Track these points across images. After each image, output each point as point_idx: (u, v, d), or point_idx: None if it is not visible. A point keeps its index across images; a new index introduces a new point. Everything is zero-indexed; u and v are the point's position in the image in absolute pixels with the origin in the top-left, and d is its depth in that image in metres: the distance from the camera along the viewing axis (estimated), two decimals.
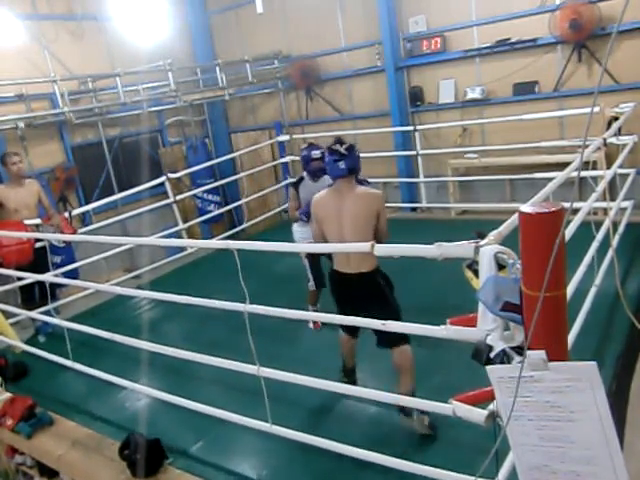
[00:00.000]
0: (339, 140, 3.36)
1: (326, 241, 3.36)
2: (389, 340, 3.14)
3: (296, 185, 4.72)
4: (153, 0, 7.49)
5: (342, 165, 3.23)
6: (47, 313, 4.76)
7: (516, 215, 1.63)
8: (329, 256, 3.95)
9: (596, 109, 5.80)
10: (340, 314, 3.29)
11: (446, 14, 7.26)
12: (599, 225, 3.88)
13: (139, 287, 5.29)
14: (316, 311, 4.60)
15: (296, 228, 4.83)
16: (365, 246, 2.41)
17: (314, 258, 4.67)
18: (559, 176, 3.20)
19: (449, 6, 7.24)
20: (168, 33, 7.92)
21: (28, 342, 5.00)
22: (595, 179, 4.98)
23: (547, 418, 1.56)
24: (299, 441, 2.89)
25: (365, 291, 3.26)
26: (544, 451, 1.61)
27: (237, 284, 2.77)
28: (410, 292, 5.01)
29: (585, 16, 6.15)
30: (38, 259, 5.08)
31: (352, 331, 3.54)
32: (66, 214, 5.80)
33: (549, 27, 6.45)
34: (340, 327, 3.59)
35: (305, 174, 4.67)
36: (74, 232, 5.58)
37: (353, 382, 3.61)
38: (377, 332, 3.14)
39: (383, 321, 2.54)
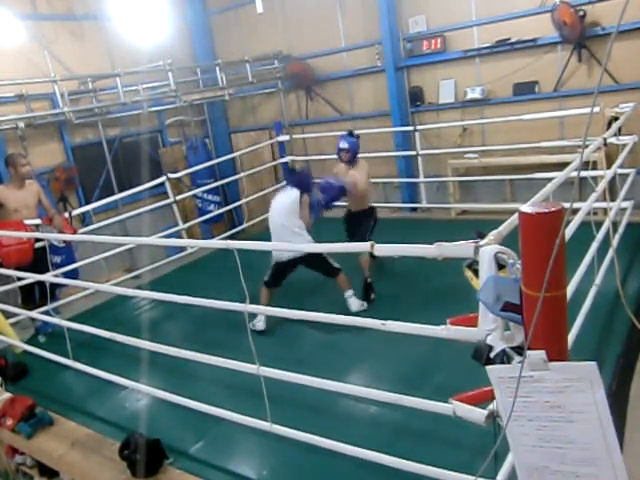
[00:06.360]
0: None
1: None
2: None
3: None
4: (153, 0, 7.49)
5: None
6: (47, 313, 4.76)
7: (516, 215, 1.63)
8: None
9: (596, 109, 5.79)
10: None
11: (446, 14, 7.26)
12: (599, 225, 3.88)
13: (139, 287, 5.29)
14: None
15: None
16: (365, 246, 2.42)
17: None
18: (559, 176, 3.19)
19: (449, 6, 7.24)
20: (168, 33, 7.91)
21: (28, 342, 5.01)
22: (595, 179, 4.97)
23: (547, 418, 1.56)
24: (299, 441, 2.89)
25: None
26: (544, 452, 1.60)
27: (237, 284, 2.77)
28: (410, 292, 5.05)
29: (570, 20, 6.13)
30: (38, 259, 5.07)
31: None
32: (66, 214, 5.80)
33: (554, 25, 6.40)
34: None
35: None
36: (74, 232, 5.58)
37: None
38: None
39: (383, 321, 2.54)
